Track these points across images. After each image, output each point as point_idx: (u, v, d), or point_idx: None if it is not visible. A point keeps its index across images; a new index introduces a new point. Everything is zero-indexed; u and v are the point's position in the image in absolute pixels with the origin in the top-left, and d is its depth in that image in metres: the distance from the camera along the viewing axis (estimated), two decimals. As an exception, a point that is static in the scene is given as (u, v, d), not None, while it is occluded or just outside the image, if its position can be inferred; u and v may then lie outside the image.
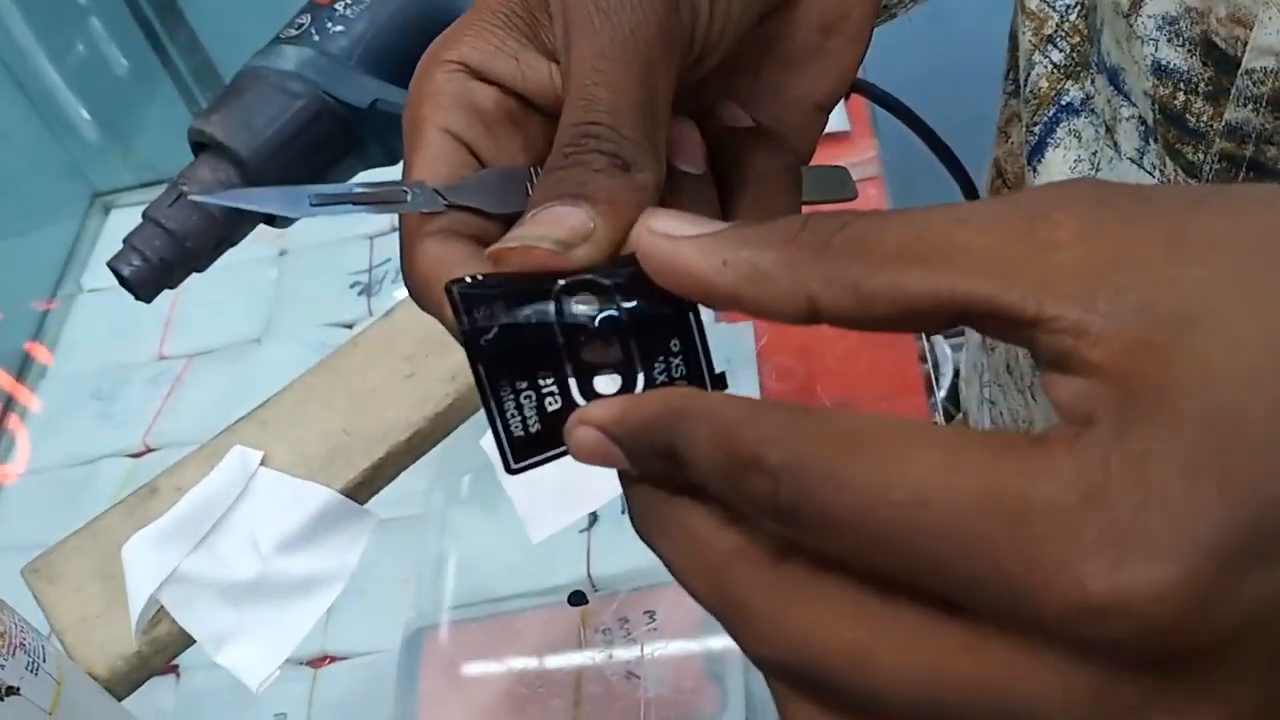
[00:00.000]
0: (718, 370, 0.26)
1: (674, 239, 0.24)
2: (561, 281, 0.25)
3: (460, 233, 0.28)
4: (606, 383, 0.25)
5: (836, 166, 0.39)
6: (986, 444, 0.20)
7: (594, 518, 0.68)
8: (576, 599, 0.66)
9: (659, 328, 0.25)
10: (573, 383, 0.25)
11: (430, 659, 0.66)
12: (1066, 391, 0.20)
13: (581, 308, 0.25)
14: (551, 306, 0.25)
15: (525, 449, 0.25)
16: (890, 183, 0.85)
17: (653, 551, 0.25)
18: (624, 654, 0.63)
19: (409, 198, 0.28)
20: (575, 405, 0.25)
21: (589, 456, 0.24)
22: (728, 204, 0.31)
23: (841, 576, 0.22)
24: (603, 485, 0.59)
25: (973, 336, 0.67)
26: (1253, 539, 0.19)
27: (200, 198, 0.28)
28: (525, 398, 0.25)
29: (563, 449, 0.25)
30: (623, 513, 0.70)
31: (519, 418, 0.25)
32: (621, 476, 0.25)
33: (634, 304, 0.25)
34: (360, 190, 0.28)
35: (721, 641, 0.62)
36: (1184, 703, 0.20)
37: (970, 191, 0.63)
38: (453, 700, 0.65)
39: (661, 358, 0.25)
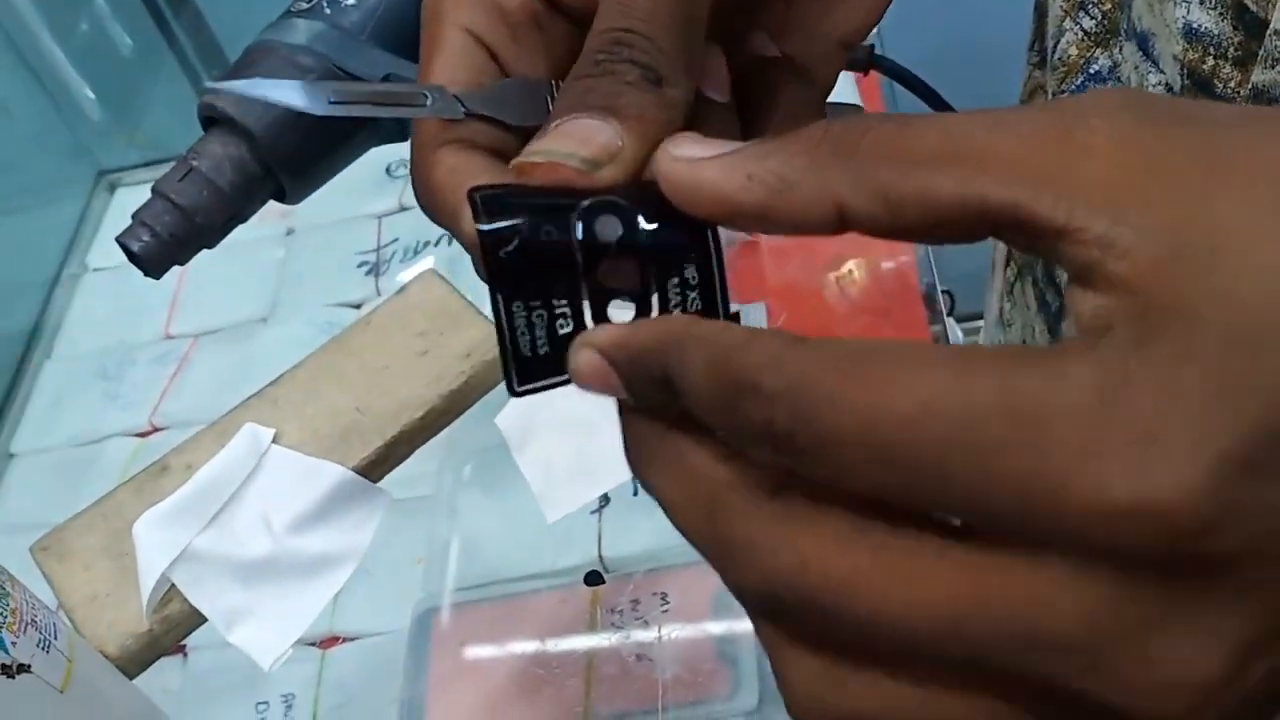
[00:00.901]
0: (733, 310, 0.26)
1: (695, 160, 0.23)
2: (585, 201, 0.24)
3: (478, 144, 0.27)
4: (620, 311, 0.25)
5: (854, 104, 0.39)
6: (998, 356, 0.19)
7: (605, 499, 0.68)
8: (593, 579, 0.65)
9: (678, 255, 0.25)
10: (587, 306, 0.25)
11: (440, 640, 0.66)
12: (1088, 305, 0.20)
13: (603, 229, 0.24)
14: (573, 225, 0.24)
15: (532, 371, 0.25)
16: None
17: (643, 486, 0.24)
18: (637, 636, 0.62)
19: (428, 102, 0.27)
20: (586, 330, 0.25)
21: (588, 380, 0.24)
22: (750, 136, 0.29)
23: (840, 506, 0.21)
24: (618, 465, 0.58)
25: (989, 315, 0.67)
26: (1276, 451, 0.18)
27: (219, 84, 0.27)
28: (537, 317, 0.24)
29: (566, 376, 0.25)
30: (635, 494, 0.70)
31: (529, 337, 0.24)
32: (620, 409, 0.24)
33: (655, 227, 0.24)
34: (379, 90, 0.27)
35: (735, 624, 0.62)
36: (1201, 613, 0.19)
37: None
38: (462, 681, 0.64)
39: (678, 288, 0.25)
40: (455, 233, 0.27)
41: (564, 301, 0.24)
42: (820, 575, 0.21)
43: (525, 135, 0.27)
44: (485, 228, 0.24)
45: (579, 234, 0.24)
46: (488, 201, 0.24)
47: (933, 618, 0.20)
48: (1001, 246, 0.63)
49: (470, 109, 0.27)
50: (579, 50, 0.26)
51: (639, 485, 0.24)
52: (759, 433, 0.21)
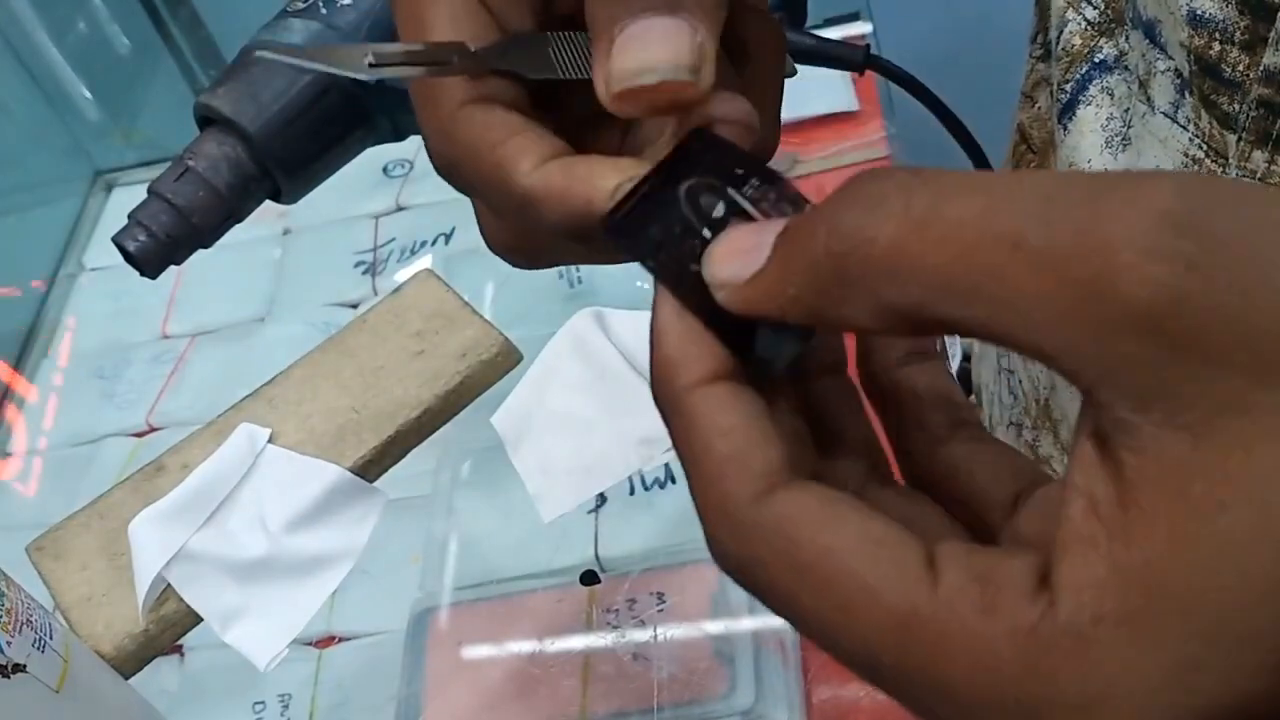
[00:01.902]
0: None
1: (739, 287, 0.23)
2: (684, 186, 0.25)
3: (500, 100, 0.27)
4: None
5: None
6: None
7: (602, 499, 0.68)
8: (588, 579, 0.65)
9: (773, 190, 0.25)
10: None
11: (436, 640, 0.66)
12: (1083, 500, 0.19)
13: (709, 201, 0.25)
14: (687, 210, 0.25)
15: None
16: (899, 162, 0.84)
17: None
18: (633, 635, 0.62)
19: (454, 60, 0.27)
20: None
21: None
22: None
23: None
24: (614, 464, 0.58)
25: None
26: None
27: (273, 55, 0.27)
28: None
29: None
30: (631, 494, 0.70)
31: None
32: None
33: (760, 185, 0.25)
34: (412, 50, 0.27)
35: (731, 623, 0.62)
36: None
37: (983, 168, 0.62)
38: (459, 681, 0.64)
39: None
40: (493, 192, 0.26)
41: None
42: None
43: (538, 89, 0.27)
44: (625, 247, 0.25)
45: (695, 215, 0.25)
46: (616, 230, 0.25)
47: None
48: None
49: (492, 65, 0.27)
50: (562, 3, 0.26)
51: None
52: None
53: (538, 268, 0.31)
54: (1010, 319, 0.19)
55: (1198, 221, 0.18)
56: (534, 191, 0.26)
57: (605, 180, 0.26)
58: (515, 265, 0.30)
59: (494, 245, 0.30)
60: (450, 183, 0.28)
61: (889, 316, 0.20)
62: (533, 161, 0.26)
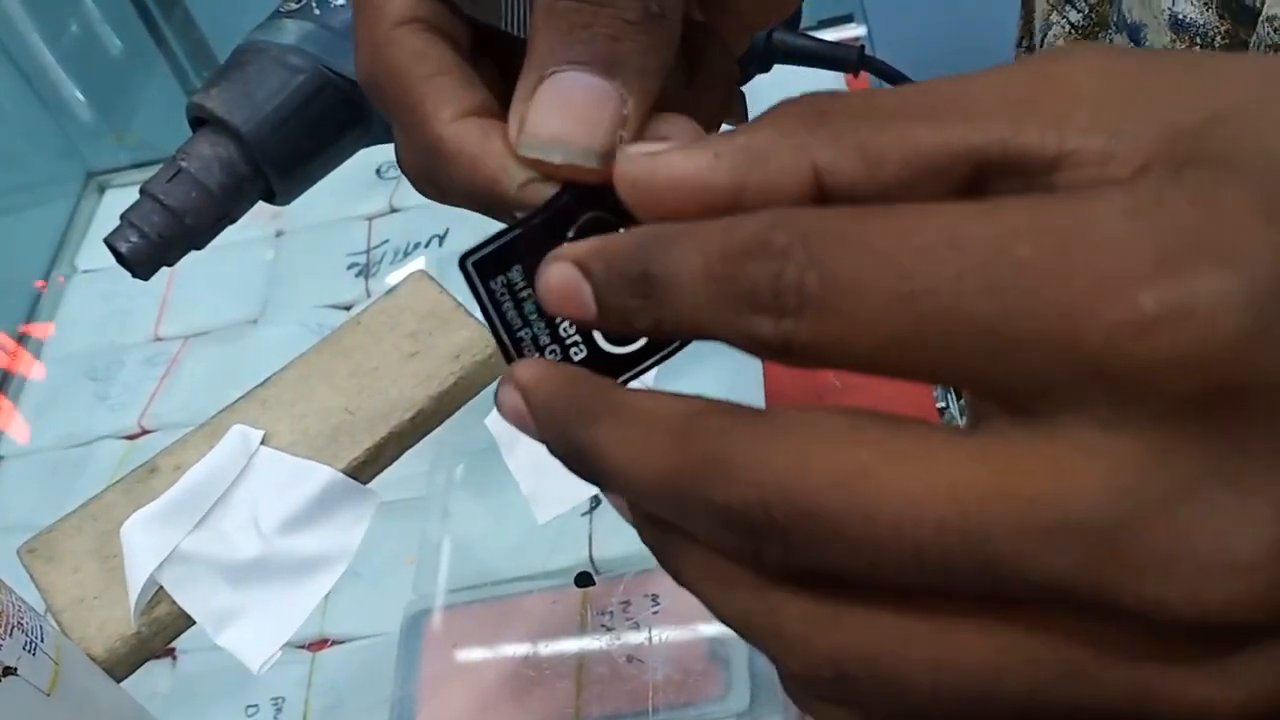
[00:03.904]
0: None
1: (653, 154, 0.22)
2: (571, 234, 0.24)
3: (437, 27, 0.26)
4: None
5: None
6: (1022, 200, 0.18)
7: (596, 501, 0.68)
8: (583, 580, 0.65)
9: None
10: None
11: (430, 642, 0.65)
12: None
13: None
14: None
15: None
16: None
17: (580, 451, 0.22)
18: (628, 637, 0.62)
19: None
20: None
21: (557, 294, 0.22)
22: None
23: (837, 412, 0.19)
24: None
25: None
26: None
27: None
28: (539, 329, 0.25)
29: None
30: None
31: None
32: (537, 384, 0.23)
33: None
34: None
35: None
36: (1242, 469, 0.16)
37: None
38: (454, 683, 0.64)
39: None
40: (408, 124, 0.26)
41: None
42: (822, 473, 0.18)
43: (477, 28, 0.26)
44: (482, 293, 0.24)
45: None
46: (481, 266, 0.24)
47: (941, 511, 0.17)
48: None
49: None
50: None
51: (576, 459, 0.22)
52: (768, 291, 0.19)
53: (447, 204, 0.29)
54: (965, 125, 0.19)
55: None
56: (445, 144, 0.25)
57: (517, 172, 0.25)
58: (424, 195, 0.29)
59: (406, 170, 0.29)
60: (371, 99, 0.27)
61: None
62: (452, 111, 0.26)
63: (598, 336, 0.24)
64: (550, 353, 0.25)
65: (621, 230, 0.23)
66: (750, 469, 0.19)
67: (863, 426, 0.19)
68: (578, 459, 0.22)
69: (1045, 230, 0.17)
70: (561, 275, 0.22)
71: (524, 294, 0.24)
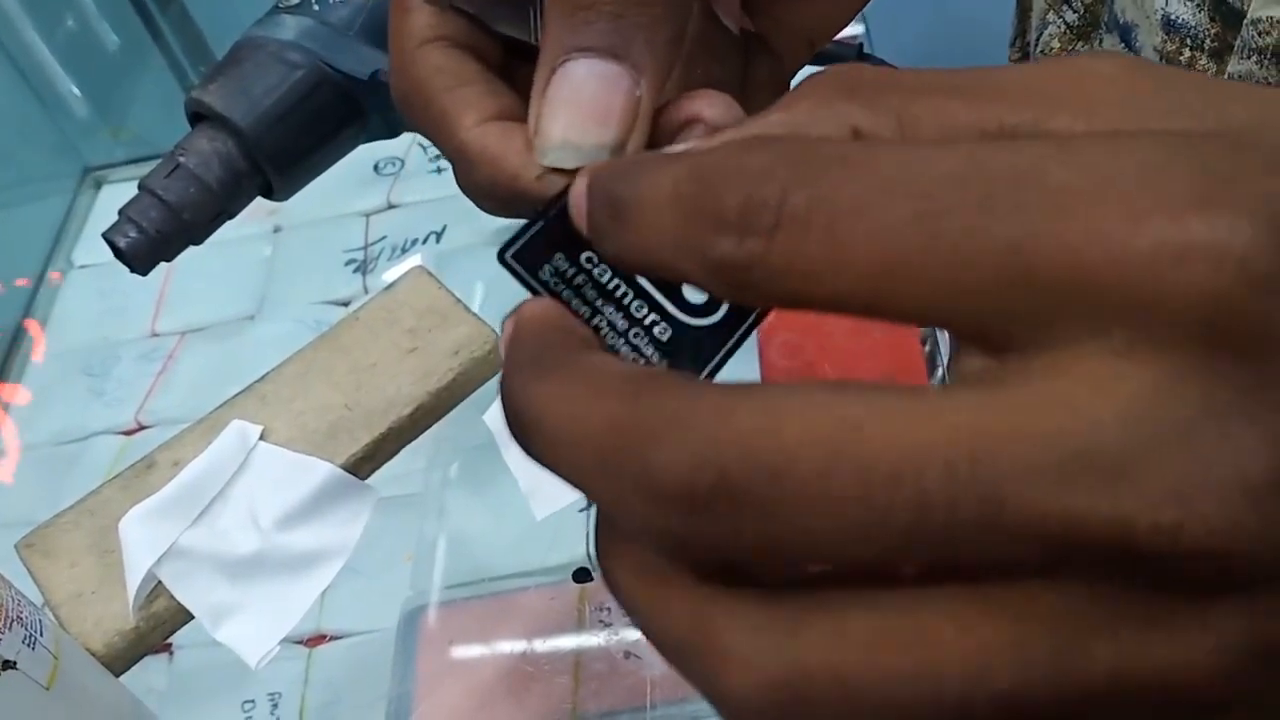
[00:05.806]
0: None
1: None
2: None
3: (461, 43, 0.27)
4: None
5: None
6: (1050, 135, 0.18)
7: (594, 497, 0.68)
8: (581, 576, 0.65)
9: None
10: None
11: (427, 638, 0.65)
12: None
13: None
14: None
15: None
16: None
17: (520, 408, 0.19)
18: (625, 634, 0.62)
19: None
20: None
21: (572, 206, 0.22)
22: None
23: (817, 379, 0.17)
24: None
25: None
26: None
27: None
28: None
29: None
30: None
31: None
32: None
33: None
34: None
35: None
36: (1262, 402, 0.16)
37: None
38: (450, 679, 0.64)
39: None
40: (436, 136, 0.26)
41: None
42: (799, 429, 0.16)
43: (504, 41, 0.27)
44: (536, 283, 0.23)
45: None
46: (521, 258, 0.23)
47: (948, 454, 0.16)
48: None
49: (458, 4, 0.27)
50: None
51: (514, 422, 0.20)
52: (735, 210, 0.18)
53: (502, 215, 0.28)
54: (997, 106, 0.19)
55: None
56: (469, 148, 0.26)
57: (536, 165, 0.25)
58: (484, 211, 0.29)
59: (461, 189, 0.29)
60: (404, 116, 0.28)
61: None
62: (475, 117, 0.26)
63: (673, 309, 0.23)
64: (634, 334, 0.23)
65: None
66: (707, 424, 0.17)
67: (849, 386, 0.17)
68: (513, 417, 0.20)
69: (1078, 157, 0.17)
70: (575, 189, 0.22)
71: (578, 280, 0.23)
